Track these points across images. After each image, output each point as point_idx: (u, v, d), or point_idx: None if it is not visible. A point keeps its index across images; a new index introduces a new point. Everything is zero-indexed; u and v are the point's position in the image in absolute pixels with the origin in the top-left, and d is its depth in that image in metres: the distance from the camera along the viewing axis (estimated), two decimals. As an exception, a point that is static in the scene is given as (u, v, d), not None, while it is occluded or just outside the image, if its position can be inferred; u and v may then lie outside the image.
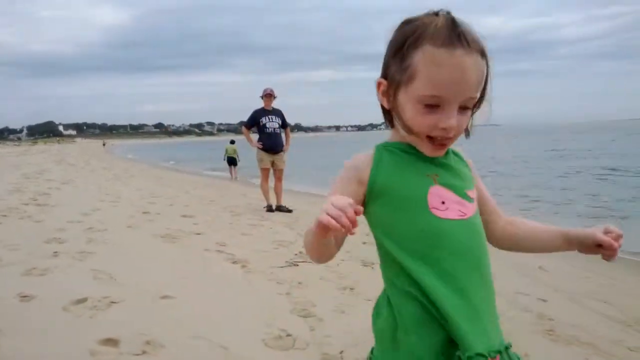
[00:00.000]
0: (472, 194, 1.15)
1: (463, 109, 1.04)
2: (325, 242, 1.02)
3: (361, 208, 0.94)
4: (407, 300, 1.05)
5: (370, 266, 4.25)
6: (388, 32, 1.10)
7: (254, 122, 8.14)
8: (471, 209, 1.12)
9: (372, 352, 1.18)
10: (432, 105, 1.02)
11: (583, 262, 4.74)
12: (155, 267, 4.08)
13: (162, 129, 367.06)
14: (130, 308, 3.03)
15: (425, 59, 1.00)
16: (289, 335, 2.73)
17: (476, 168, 1.25)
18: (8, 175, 13.78)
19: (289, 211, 7.94)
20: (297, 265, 4.31)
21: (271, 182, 8.29)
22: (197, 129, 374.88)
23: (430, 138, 1.07)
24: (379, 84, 1.12)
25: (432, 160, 1.12)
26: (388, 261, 1.11)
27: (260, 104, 8.23)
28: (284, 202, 8.17)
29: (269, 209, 8.01)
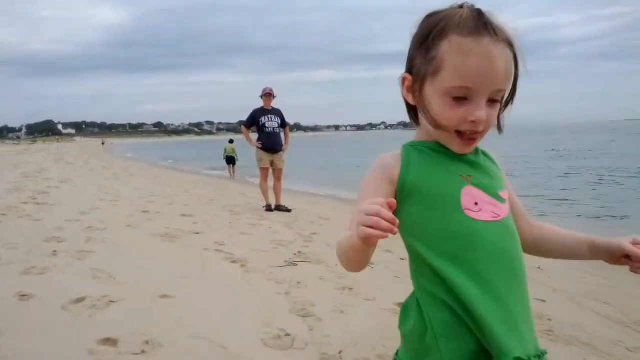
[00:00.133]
0: (504, 194, 1.11)
1: (492, 101, 1.01)
2: (369, 251, 0.97)
3: (394, 200, 0.89)
4: (436, 305, 1.02)
5: (370, 266, 4.24)
6: (412, 28, 1.07)
7: (254, 121, 8.13)
8: (504, 210, 1.08)
9: (397, 354, 1.13)
10: (460, 98, 0.99)
11: (581, 263, 4.74)
12: (154, 267, 4.08)
13: (161, 128, 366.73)
14: (129, 307, 3.03)
15: (452, 49, 0.98)
16: (287, 335, 2.73)
17: None
18: (7, 174, 13.77)
19: (288, 211, 7.94)
20: (296, 265, 4.31)
21: (270, 181, 8.29)
22: (197, 128, 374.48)
23: (459, 133, 1.03)
24: (403, 79, 1.08)
25: (462, 159, 1.08)
26: (418, 263, 1.07)
27: (259, 103, 8.23)
28: (283, 202, 8.16)
29: (268, 208, 8.01)
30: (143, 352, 2.42)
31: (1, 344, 2.42)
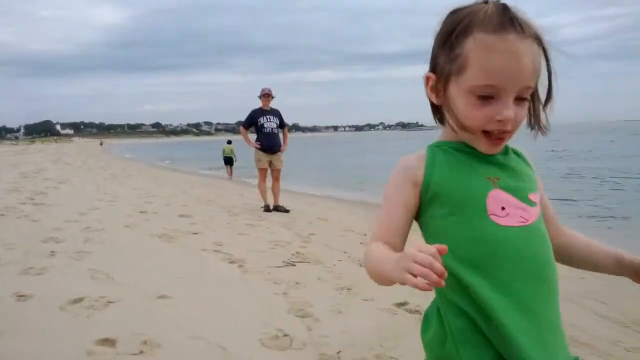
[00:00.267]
0: (535, 197, 1.05)
1: (520, 99, 0.97)
2: None
3: (445, 247, 0.81)
4: (455, 314, 0.99)
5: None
6: (436, 25, 1.04)
7: (252, 122, 8.13)
8: (534, 214, 1.03)
9: None
10: (486, 97, 0.96)
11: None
12: (152, 267, 4.08)
13: (159, 129, 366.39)
14: (128, 308, 3.02)
15: (477, 46, 0.95)
16: (286, 335, 2.73)
17: None
18: (5, 175, 13.76)
19: (287, 211, 7.93)
20: (294, 265, 4.31)
21: (269, 182, 8.29)
22: (195, 129, 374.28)
23: (485, 133, 0.99)
24: (427, 79, 1.05)
25: (490, 160, 1.04)
26: None
27: (258, 103, 8.23)
28: (282, 202, 8.16)
29: (267, 209, 8.00)
30: (141, 352, 2.42)
31: (-2, 345, 2.41)
